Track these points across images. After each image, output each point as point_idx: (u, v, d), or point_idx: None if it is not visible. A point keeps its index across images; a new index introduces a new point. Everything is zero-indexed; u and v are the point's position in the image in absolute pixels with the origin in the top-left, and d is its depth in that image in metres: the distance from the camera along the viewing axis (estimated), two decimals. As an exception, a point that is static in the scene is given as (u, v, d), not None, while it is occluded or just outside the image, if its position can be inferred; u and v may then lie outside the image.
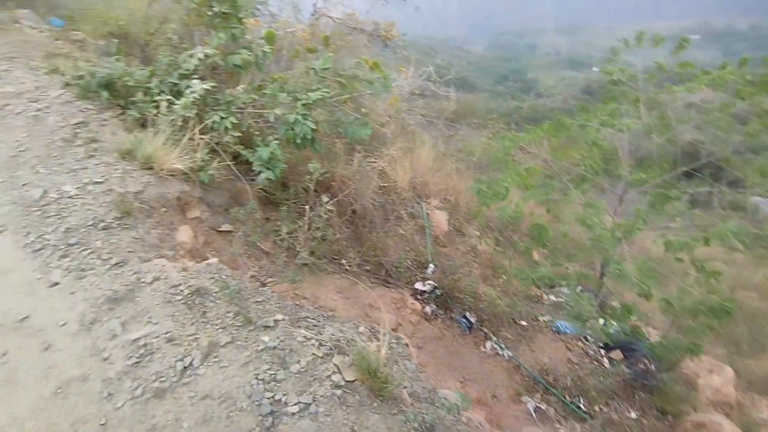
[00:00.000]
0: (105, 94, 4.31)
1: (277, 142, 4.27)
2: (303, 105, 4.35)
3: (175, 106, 4.02)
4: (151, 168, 3.52)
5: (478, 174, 7.53)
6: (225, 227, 3.88)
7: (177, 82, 4.45)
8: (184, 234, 3.31)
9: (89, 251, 2.63)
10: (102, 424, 1.80)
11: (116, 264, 2.57)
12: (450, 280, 5.37)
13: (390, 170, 6.15)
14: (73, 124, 3.91)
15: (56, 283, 2.42)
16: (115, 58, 4.64)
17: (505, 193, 4.44)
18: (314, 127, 4.27)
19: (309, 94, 4.36)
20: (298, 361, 2.06)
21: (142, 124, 4.14)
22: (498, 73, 57.52)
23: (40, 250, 2.62)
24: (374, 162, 5.86)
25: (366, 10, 8.66)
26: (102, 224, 2.85)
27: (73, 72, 4.73)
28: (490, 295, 5.36)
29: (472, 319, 5.14)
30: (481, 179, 4.99)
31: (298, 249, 3.58)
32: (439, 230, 6.64)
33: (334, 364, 2.06)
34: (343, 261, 4.87)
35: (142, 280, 2.45)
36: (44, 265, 2.53)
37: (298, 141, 4.29)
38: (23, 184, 3.17)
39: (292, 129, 4.24)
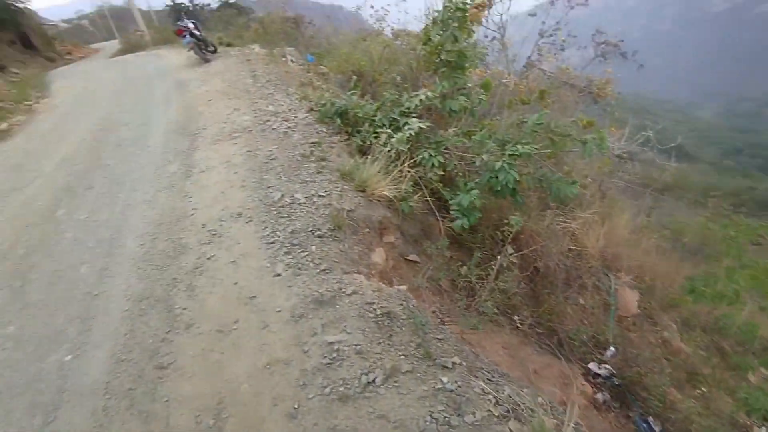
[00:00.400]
0: (338, 121, 5.02)
1: (477, 190, 4.34)
2: (510, 155, 4.37)
3: (392, 139, 4.45)
4: (363, 191, 3.94)
5: (684, 259, 6.50)
6: (412, 257, 4.08)
7: (397, 118, 4.93)
8: (379, 256, 3.58)
9: (306, 254, 3.05)
10: (295, 408, 2.04)
11: (324, 270, 2.92)
12: (633, 371, 4.67)
13: (581, 234, 5.71)
14: (310, 143, 4.65)
15: (279, 275, 2.86)
16: (351, 92, 5.37)
17: (735, 297, 3.68)
18: (518, 178, 4.25)
19: (518, 146, 4.37)
20: (473, 413, 2.01)
21: (363, 151, 4.70)
22: (728, 145, 49.21)
23: (272, 243, 3.15)
24: (566, 223, 5.53)
25: (582, 66, 8.40)
26: (318, 232, 3.29)
27: (317, 100, 5.65)
28: (685, 405, 4.48)
29: (657, 429, 4.35)
30: (695, 277, 4.27)
31: (481, 295, 3.56)
32: (626, 311, 5.86)
33: (510, 429, 1.95)
34: (516, 317, 4.65)
35: (343, 290, 2.72)
36: (272, 256, 3.02)
37: (499, 188, 4.31)
38: (268, 186, 3.88)
39: (496, 176, 4.28)
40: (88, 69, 16.28)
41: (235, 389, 2.17)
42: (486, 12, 6.42)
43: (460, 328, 3.45)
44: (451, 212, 4.37)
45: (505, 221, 4.56)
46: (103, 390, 2.37)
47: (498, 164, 4.25)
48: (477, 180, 4.59)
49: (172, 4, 27.13)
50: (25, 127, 8.54)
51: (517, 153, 4.34)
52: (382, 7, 9.80)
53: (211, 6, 26.73)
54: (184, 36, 9.83)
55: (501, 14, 10.34)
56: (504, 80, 6.40)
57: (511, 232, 3.83)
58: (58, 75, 16.51)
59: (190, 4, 24.92)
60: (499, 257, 3.80)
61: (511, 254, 4.08)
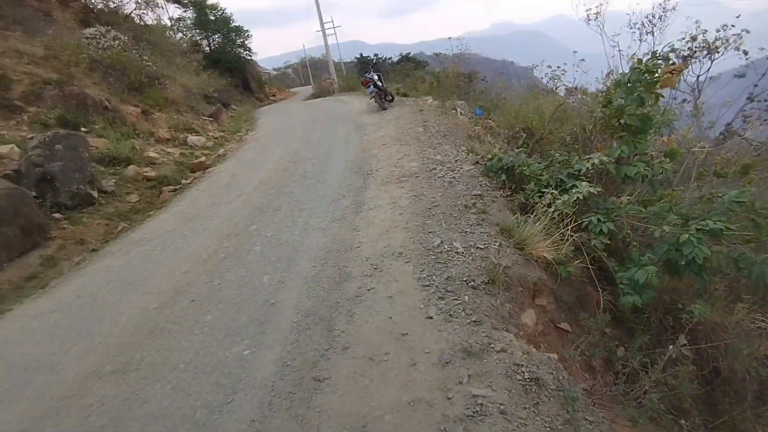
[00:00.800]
0: (503, 176, 5.10)
1: (653, 267, 3.94)
2: (698, 230, 3.90)
3: (557, 201, 4.34)
4: (522, 249, 3.91)
5: None
6: (564, 325, 3.87)
7: (565, 179, 4.81)
8: (529, 317, 3.49)
9: (459, 302, 3.14)
10: (432, 453, 2.10)
11: (474, 321, 2.97)
12: None
13: (786, 339, 4.69)
14: (473, 195, 4.80)
15: (431, 317, 3.00)
16: (519, 150, 5.42)
17: None
18: (708, 254, 3.75)
19: (707, 221, 3.88)
20: None
21: (524, 209, 4.68)
22: None
23: (427, 286, 3.32)
24: (765, 322, 4.61)
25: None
26: (472, 283, 3.36)
27: (483, 153, 5.82)
28: None
29: None
30: None
31: (643, 386, 3.19)
32: None
33: None
34: (684, 422, 3.99)
35: (492, 345, 2.73)
36: (427, 299, 3.18)
37: (682, 264, 3.86)
38: (429, 231, 4.12)
39: (678, 249, 3.85)
40: (285, 109, 19.20)
41: (379, 417, 2.32)
42: (681, 76, 5.94)
43: (613, 416, 3.12)
44: (620, 287, 4.04)
45: (680, 305, 4.03)
46: (270, 387, 2.73)
47: (684, 236, 3.82)
48: (651, 254, 4.18)
49: (359, 57, 30.81)
50: (235, 154, 10.42)
51: (706, 228, 3.85)
52: (558, 67, 9.74)
53: (392, 59, 29.57)
54: (369, 86, 11.06)
55: (698, 75, 9.41)
56: (695, 149, 5.76)
57: (688, 321, 3.38)
58: (263, 112, 19.84)
59: (374, 58, 27.96)
60: (670, 347, 3.37)
61: (683, 345, 3.59)
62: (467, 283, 3.35)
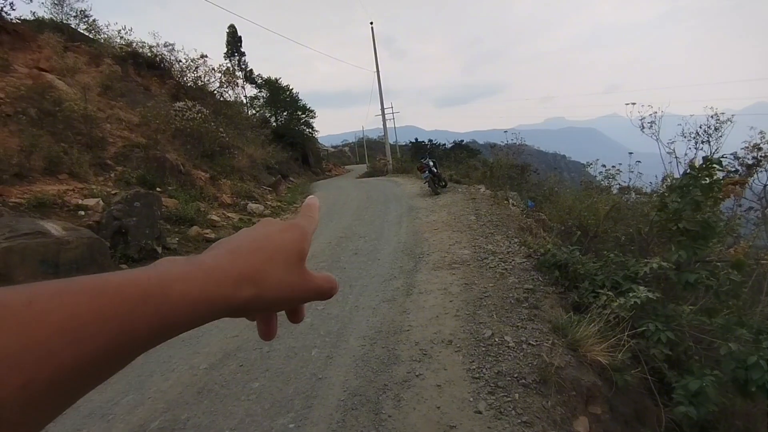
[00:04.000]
0: (556, 273, 5.08)
1: (713, 378, 3.72)
2: None
3: (613, 303, 4.26)
4: (575, 350, 3.80)
5: None
6: (621, 439, 3.62)
7: (621, 282, 4.72)
8: (582, 425, 3.31)
9: (509, 399, 3.07)
10: None
11: (525, 422, 2.87)
12: None
13: None
14: (525, 289, 4.79)
15: (479, 412, 2.94)
16: (574, 248, 5.42)
17: None
18: None
19: None
20: None
21: (577, 308, 4.60)
22: None
23: (476, 378, 3.28)
24: None
25: None
26: (523, 381, 3.28)
27: (536, 247, 5.85)
28: None
29: None
30: None
31: None
32: None
33: None
34: None
35: (545, 450, 2.63)
36: (476, 392, 3.13)
37: (752, 389, 3.60)
38: (480, 322, 4.11)
39: (746, 370, 3.61)
40: (341, 185, 20.10)
41: None
42: (745, 187, 5.88)
43: None
44: (673, 395, 3.79)
45: (752, 432, 3.70)
46: (313, 467, 2.72)
47: (752, 358, 3.59)
48: (716, 370, 3.92)
49: (414, 141, 32.30)
50: (292, 225, 10.91)
51: None
52: (613, 166, 9.86)
53: (446, 145, 30.77)
54: (425, 172, 11.54)
55: (765, 184, 9.22)
56: (764, 261, 5.53)
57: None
58: (319, 186, 20.87)
59: (429, 144, 29.24)
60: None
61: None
62: (518, 380, 3.28)
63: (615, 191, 9.64)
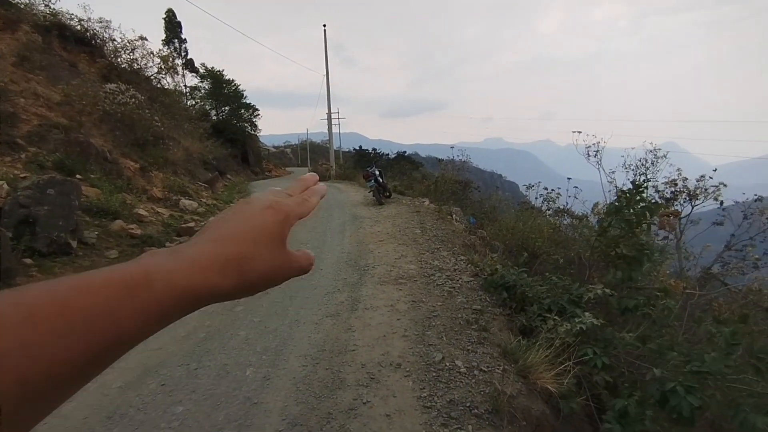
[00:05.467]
0: (504, 294, 5.03)
1: (637, 398, 3.79)
2: (692, 373, 3.80)
3: (559, 328, 4.25)
4: (525, 377, 3.72)
5: None
6: (563, 469, 3.57)
7: (566, 306, 4.76)
8: (530, 457, 3.21)
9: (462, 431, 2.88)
10: None
11: (479, 458, 2.70)
12: None
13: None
14: (474, 309, 4.68)
15: (432, 447, 2.72)
16: (522, 269, 5.42)
17: None
18: (697, 405, 3.60)
19: (705, 359, 3.80)
20: None
21: (524, 332, 4.55)
22: None
23: (428, 407, 3.06)
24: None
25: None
26: (476, 411, 3.11)
27: (484, 266, 5.80)
28: None
29: None
30: None
31: None
32: None
33: None
34: None
35: (499, 491, 2.45)
36: (428, 423, 2.91)
37: (673, 415, 3.69)
38: (429, 344, 3.92)
39: (666, 399, 3.70)
40: (280, 186, 19.41)
41: None
42: (678, 219, 6.24)
43: None
44: (602, 417, 3.82)
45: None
46: None
47: (671, 384, 3.69)
48: (643, 393, 4.01)
49: (358, 149, 32.15)
50: (227, 226, 10.27)
51: (704, 370, 3.75)
52: (553, 189, 10.22)
53: (389, 155, 30.89)
54: (370, 180, 11.34)
55: (680, 217, 9.94)
56: (688, 290, 5.85)
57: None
58: (258, 186, 20.05)
59: (373, 152, 29.20)
60: None
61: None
62: (471, 410, 3.10)
63: (550, 213, 10.00)
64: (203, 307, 0.37)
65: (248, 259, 0.39)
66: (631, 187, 5.23)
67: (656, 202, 6.52)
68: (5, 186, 6.92)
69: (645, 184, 5.47)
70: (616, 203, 5.20)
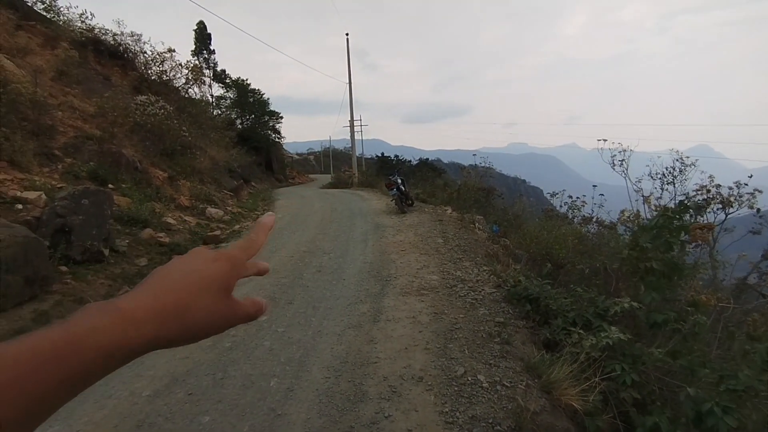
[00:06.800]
0: (528, 306, 4.96)
1: (668, 416, 3.67)
2: (727, 391, 3.67)
3: (585, 343, 4.16)
4: (549, 393, 3.66)
5: None
6: (590, 489, 3.49)
7: (591, 319, 4.66)
8: (555, 476, 3.15)
9: (485, 449, 2.86)
10: None
11: (501, 477, 2.67)
12: None
13: None
14: (496, 322, 4.63)
15: (453, 464, 2.71)
16: (546, 281, 5.33)
17: None
18: (734, 425, 3.46)
19: (739, 377, 3.66)
20: None
21: (548, 345, 4.48)
22: None
23: (450, 423, 3.05)
24: None
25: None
26: (498, 427, 3.08)
27: (506, 278, 5.73)
28: None
29: None
30: None
31: None
32: None
33: None
34: None
35: None
36: (450, 440, 2.90)
37: None
38: (451, 357, 3.90)
39: (701, 419, 3.57)
40: (304, 194, 19.62)
41: None
42: (712, 233, 6.05)
43: None
44: None
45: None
46: None
47: (707, 405, 3.55)
48: (674, 412, 3.88)
49: (380, 156, 32.26)
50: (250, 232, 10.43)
51: (739, 389, 3.61)
52: (578, 197, 10.05)
53: (411, 162, 30.91)
54: (392, 188, 11.36)
55: (713, 230, 9.63)
56: (721, 303, 5.65)
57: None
58: (281, 193, 20.32)
59: (395, 159, 29.26)
60: None
61: None
62: (493, 426, 3.07)
63: (577, 221, 9.82)
64: (144, 354, 0.38)
65: (189, 309, 0.41)
66: (675, 206, 5.06)
67: (692, 219, 6.27)
68: (44, 196, 7.22)
69: (689, 205, 5.27)
70: (657, 221, 5.02)
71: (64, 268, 6.33)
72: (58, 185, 8.09)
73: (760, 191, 9.43)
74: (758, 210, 9.65)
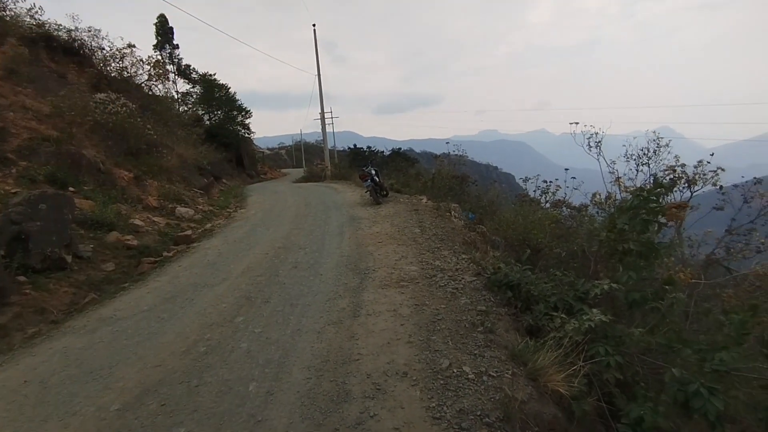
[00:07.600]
0: (509, 293, 4.93)
1: (651, 406, 3.67)
2: (712, 372, 3.71)
3: (567, 327, 4.14)
4: (535, 380, 3.62)
5: None
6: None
7: (572, 302, 4.66)
8: (544, 464, 3.12)
9: (474, 443, 2.78)
10: None
11: (492, 470, 2.60)
12: None
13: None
14: (478, 311, 4.57)
15: (443, 461, 2.62)
16: (526, 267, 5.31)
17: None
18: (721, 408, 3.49)
19: (721, 354, 3.71)
20: None
21: (531, 331, 4.45)
22: None
23: (438, 419, 2.96)
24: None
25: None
26: (487, 419, 3.01)
27: (486, 265, 5.69)
28: None
29: None
30: None
31: None
32: None
33: None
34: None
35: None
36: (438, 436, 2.81)
37: (694, 415, 3.59)
38: (435, 350, 3.81)
39: (687, 398, 3.59)
40: (277, 189, 19.25)
41: None
42: (686, 211, 6.15)
43: None
44: (618, 426, 3.73)
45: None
46: None
47: (693, 386, 3.57)
48: (661, 394, 3.91)
49: (353, 147, 31.97)
50: (223, 231, 10.11)
51: (722, 369, 3.65)
52: (551, 182, 10.12)
53: (384, 153, 30.73)
54: (366, 180, 11.21)
55: (688, 208, 9.84)
56: (693, 279, 5.77)
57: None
58: (253, 189, 19.87)
59: (368, 150, 29.04)
60: None
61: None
62: (482, 419, 3.00)
63: (548, 206, 9.91)
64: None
65: None
66: (651, 186, 5.09)
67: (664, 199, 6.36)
68: (-5, 203, 6.78)
69: (664, 184, 5.32)
70: (633, 202, 5.04)
71: (22, 278, 5.96)
72: (12, 190, 7.62)
73: (722, 169, 9.68)
74: (721, 187, 9.91)
